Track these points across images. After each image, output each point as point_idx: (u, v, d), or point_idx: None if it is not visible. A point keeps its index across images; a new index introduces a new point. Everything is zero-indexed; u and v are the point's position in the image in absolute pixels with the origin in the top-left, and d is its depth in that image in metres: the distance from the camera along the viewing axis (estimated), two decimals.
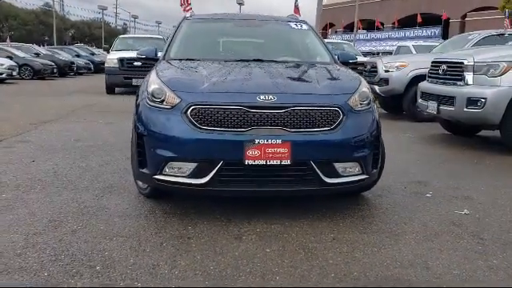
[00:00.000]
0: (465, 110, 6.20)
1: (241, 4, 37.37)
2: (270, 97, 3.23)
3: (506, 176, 4.99)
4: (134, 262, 2.68)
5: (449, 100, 6.51)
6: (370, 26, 53.52)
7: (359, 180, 3.40)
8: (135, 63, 13.91)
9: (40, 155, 5.34)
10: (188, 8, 7.81)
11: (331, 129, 3.26)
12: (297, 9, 11.26)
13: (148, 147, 3.34)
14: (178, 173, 3.24)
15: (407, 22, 48.54)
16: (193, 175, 3.21)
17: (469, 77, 6.28)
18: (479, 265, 2.74)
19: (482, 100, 6.01)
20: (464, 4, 43.53)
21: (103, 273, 2.53)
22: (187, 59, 4.14)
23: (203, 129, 3.17)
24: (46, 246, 2.84)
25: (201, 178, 3.19)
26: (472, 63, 6.27)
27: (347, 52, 4.74)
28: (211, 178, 3.17)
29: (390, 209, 3.73)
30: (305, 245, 2.97)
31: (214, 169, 3.16)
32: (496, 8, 38.79)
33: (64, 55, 25.84)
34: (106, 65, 14.42)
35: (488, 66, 6.13)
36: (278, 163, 3.14)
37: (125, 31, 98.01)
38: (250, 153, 3.12)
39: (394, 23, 49.66)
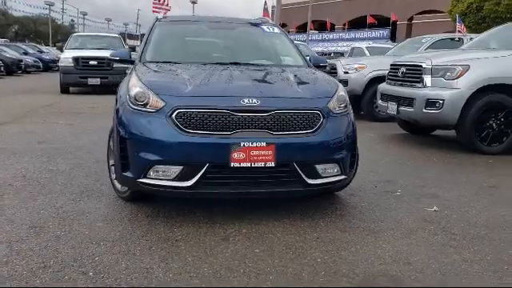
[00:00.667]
0: (424, 110, 6.49)
1: (194, 2, 37.15)
2: (254, 100, 3.30)
3: (465, 173, 5.28)
4: (126, 266, 2.68)
5: (408, 101, 6.79)
6: (321, 26, 54.47)
7: (338, 180, 3.54)
8: (91, 62, 13.64)
9: (4, 158, 5.17)
10: (165, 8, 7.73)
11: (312, 131, 3.37)
12: (266, 12, 11.36)
13: (131, 151, 3.34)
14: (163, 176, 3.26)
15: (357, 24, 49.77)
16: (178, 178, 3.24)
17: (427, 79, 6.58)
18: (455, 259, 2.93)
19: (440, 101, 6.32)
20: (411, 7, 45.05)
21: (97, 278, 2.53)
22: (164, 62, 4.13)
23: (188, 132, 3.20)
24: (32, 253, 2.79)
25: (186, 180, 3.23)
26: (430, 66, 6.58)
27: (317, 56, 4.88)
28: (197, 180, 3.21)
29: (365, 207, 3.89)
30: (291, 244, 3.06)
31: (199, 172, 3.20)
32: (441, 12, 40.54)
33: (10, 52, 24.77)
34: (60, 64, 14.01)
35: (445, 70, 6.45)
36: (263, 165, 3.22)
37: (72, 28, 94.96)
38: (235, 155, 3.18)
39: (344, 24, 50.81)
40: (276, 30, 5.03)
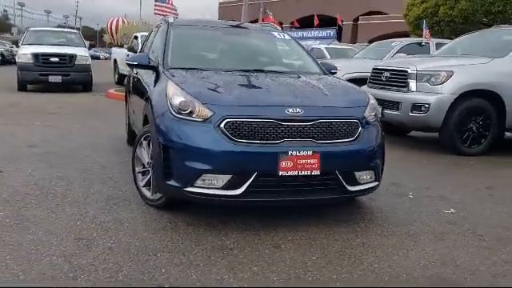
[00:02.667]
0: (410, 114, 6.81)
1: None
2: (298, 110, 3.38)
3: (458, 174, 5.62)
4: (197, 278, 2.69)
5: (394, 105, 7.08)
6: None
7: (372, 187, 3.69)
8: (52, 59, 13.11)
9: (1, 165, 4.94)
10: (173, 12, 7.58)
11: (352, 140, 3.49)
12: (268, 16, 11.31)
13: (177, 160, 3.33)
14: (211, 185, 3.28)
15: (304, 23, 50.51)
16: (227, 187, 3.26)
17: (412, 84, 6.90)
18: (495, 260, 3.14)
19: (426, 105, 6.65)
20: (356, 8, 46.30)
21: None
22: (191, 68, 4.11)
23: (238, 141, 3.24)
24: (96, 268, 2.74)
25: (235, 189, 3.26)
26: (415, 72, 6.90)
27: (328, 63, 4.99)
28: (246, 189, 3.25)
29: (389, 211, 4.06)
30: (341, 251, 3.17)
31: (248, 180, 3.25)
32: (385, 13, 42.03)
33: None
34: (18, 60, 13.35)
35: (429, 75, 6.79)
36: (309, 173, 3.31)
37: (7, 19, 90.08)
38: (283, 164, 3.25)
39: (292, 23, 51.45)
40: (287, 36, 5.12)
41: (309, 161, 3.29)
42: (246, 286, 2.61)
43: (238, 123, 3.26)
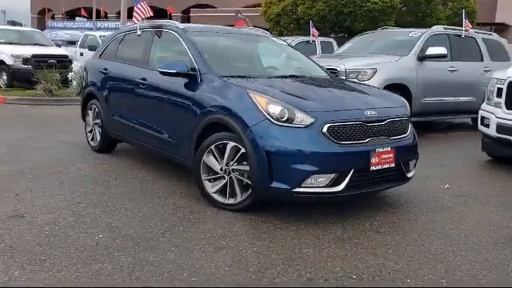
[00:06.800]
0: None
1: None
2: (373, 112, 3.90)
3: None
4: (365, 265, 3.06)
5: None
6: (95, 14, 52.04)
7: (414, 174, 4.38)
8: None
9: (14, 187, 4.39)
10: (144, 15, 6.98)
11: (408, 134, 4.15)
12: (244, 21, 10.83)
13: (284, 164, 3.58)
14: (317, 184, 3.61)
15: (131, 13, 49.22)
16: (330, 185, 3.64)
17: None
18: None
19: None
20: (185, 0, 46.89)
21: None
22: (240, 76, 4.27)
23: (339, 143, 3.64)
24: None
25: (337, 185, 3.66)
26: (344, 70, 7.83)
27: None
28: (346, 185, 3.67)
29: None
30: (438, 253, 3.73)
31: (347, 177, 3.67)
32: (212, 6, 43.57)
33: None
34: None
35: (357, 72, 7.78)
36: (388, 166, 3.87)
37: None
38: (373, 160, 3.75)
39: (119, 13, 49.67)
40: (283, 42, 5.50)
41: (388, 155, 3.85)
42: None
43: (337, 127, 3.65)
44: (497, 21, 31.24)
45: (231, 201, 3.93)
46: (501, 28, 27.89)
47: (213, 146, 3.97)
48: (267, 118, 3.66)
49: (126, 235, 3.38)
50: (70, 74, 12.26)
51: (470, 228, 3.82)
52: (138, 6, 7.09)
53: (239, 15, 11.29)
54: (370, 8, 15.74)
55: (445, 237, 3.62)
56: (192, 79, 4.34)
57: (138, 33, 5.44)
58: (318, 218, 3.87)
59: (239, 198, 3.89)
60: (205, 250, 3.18)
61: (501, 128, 5.88)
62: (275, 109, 3.66)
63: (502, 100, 5.92)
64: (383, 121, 3.91)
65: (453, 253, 3.33)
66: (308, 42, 12.09)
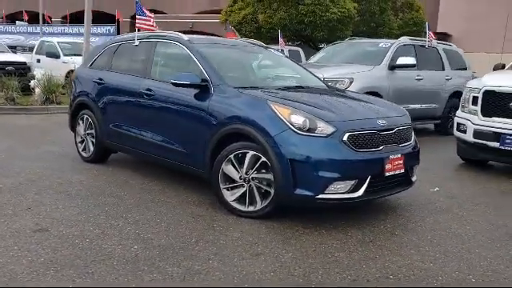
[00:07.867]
0: None
1: None
2: (384, 121, 4.14)
3: None
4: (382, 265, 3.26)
5: None
6: (36, 18, 50.28)
7: (416, 178, 4.66)
8: None
9: (25, 206, 4.28)
10: (150, 28, 6.87)
11: (412, 141, 4.43)
12: (233, 32, 10.61)
13: (308, 171, 3.74)
14: (338, 190, 3.80)
15: (80, 18, 47.98)
16: (351, 190, 3.84)
17: None
18: None
19: None
20: (132, 5, 46.16)
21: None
22: (251, 87, 4.40)
23: (358, 151, 3.85)
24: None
25: (356, 191, 3.87)
26: (322, 79, 8.09)
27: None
28: (364, 190, 3.88)
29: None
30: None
31: (365, 183, 3.89)
32: (161, 12, 43.21)
33: None
34: None
35: (336, 82, 8.07)
36: (398, 172, 4.12)
37: None
38: (387, 166, 3.99)
39: (65, 17, 48.27)
40: (279, 53, 5.67)
41: (399, 162, 4.11)
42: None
43: (356, 135, 3.86)
44: (439, 30, 32.87)
45: (251, 208, 4.04)
46: (443, 37, 29.34)
47: (232, 156, 4.07)
48: (290, 128, 3.81)
49: (160, 245, 3.41)
50: (32, 81, 11.88)
51: (473, 228, 4.13)
52: (143, 17, 7.07)
53: (230, 27, 11.36)
54: (330, 18, 16.21)
55: (455, 236, 3.90)
56: (203, 90, 4.42)
57: (136, 43, 5.44)
58: (333, 222, 4.05)
59: (259, 206, 4.01)
60: (244, 257, 3.28)
61: (477, 133, 6.32)
62: (298, 119, 3.82)
63: (478, 108, 6.37)
64: (392, 129, 4.16)
65: (467, 251, 3.61)
66: (277, 50, 12.29)
